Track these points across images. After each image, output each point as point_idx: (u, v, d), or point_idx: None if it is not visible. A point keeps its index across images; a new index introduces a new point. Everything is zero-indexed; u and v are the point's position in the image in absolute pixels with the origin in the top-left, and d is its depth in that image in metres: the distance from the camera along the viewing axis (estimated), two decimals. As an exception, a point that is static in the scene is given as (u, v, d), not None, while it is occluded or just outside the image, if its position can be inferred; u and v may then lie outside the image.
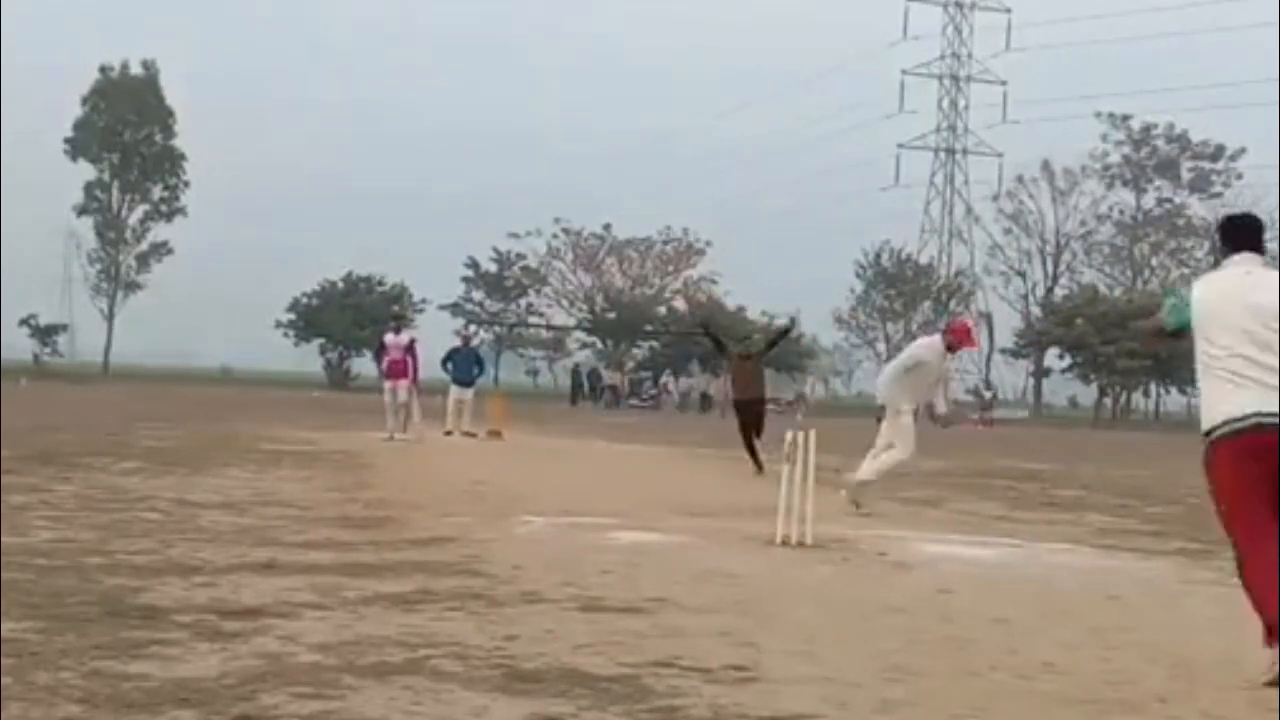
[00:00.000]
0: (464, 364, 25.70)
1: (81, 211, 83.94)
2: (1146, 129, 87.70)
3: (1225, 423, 5.61)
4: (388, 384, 23.51)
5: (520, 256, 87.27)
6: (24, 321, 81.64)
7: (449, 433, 24.46)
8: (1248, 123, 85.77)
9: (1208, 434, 5.70)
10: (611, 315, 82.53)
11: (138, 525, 9.38)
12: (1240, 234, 6.37)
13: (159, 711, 4.44)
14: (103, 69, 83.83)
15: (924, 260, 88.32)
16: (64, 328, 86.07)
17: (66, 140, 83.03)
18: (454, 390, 25.33)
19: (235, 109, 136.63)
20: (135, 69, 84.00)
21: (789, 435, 10.20)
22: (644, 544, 9.47)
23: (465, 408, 25.14)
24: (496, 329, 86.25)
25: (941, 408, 13.20)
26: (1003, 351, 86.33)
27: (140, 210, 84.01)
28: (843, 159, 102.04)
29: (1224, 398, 5.69)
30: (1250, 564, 5.51)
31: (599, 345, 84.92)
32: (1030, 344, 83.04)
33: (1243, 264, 6.10)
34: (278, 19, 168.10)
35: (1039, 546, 10.43)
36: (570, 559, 8.42)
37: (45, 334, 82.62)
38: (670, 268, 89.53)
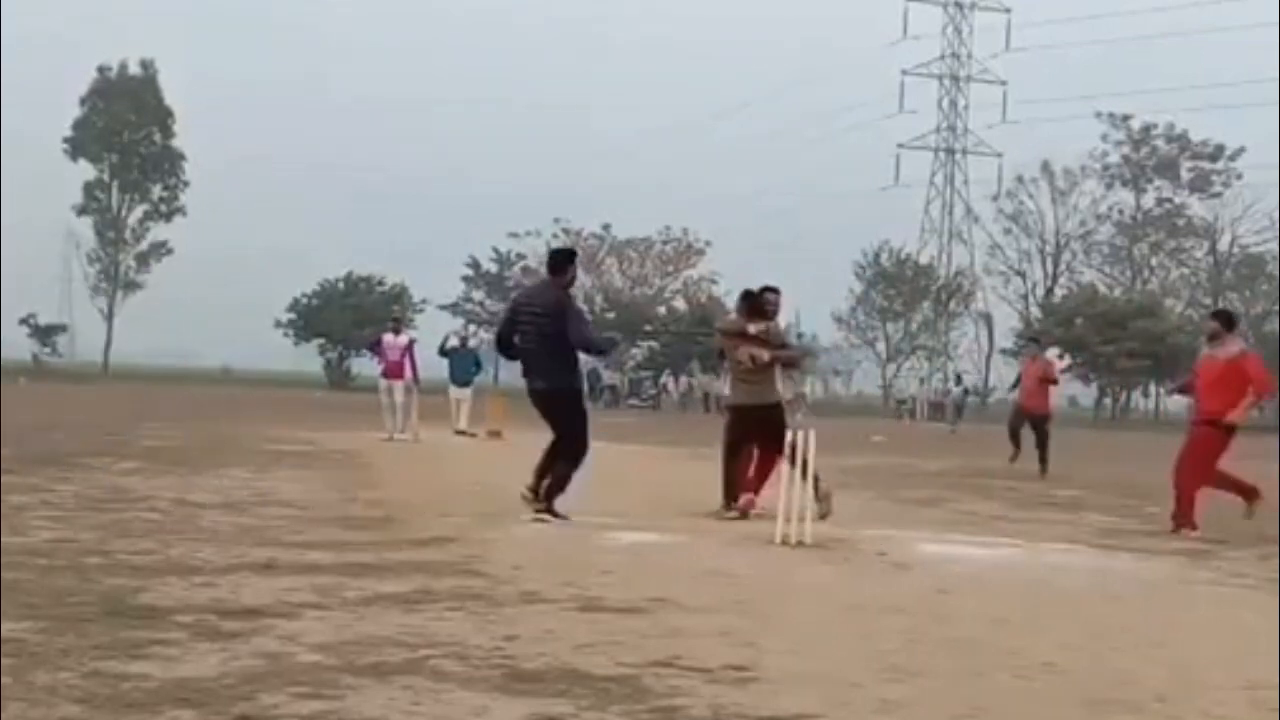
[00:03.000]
0: (462, 364, 25.91)
1: (81, 211, 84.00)
2: (1146, 129, 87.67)
3: None
4: (385, 384, 23.60)
5: (520, 256, 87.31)
6: (24, 321, 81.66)
7: (459, 432, 24.66)
8: (1247, 123, 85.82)
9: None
10: (611, 315, 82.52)
11: (138, 525, 9.37)
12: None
13: (159, 712, 4.44)
14: (101, 69, 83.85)
15: (924, 260, 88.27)
16: (63, 328, 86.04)
17: (65, 140, 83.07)
18: (453, 390, 25.56)
19: (234, 108, 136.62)
20: (134, 69, 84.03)
21: (789, 435, 10.20)
22: (644, 544, 9.46)
23: (464, 407, 25.30)
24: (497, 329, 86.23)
25: None
26: (1002, 351, 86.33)
27: (140, 210, 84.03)
28: (843, 159, 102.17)
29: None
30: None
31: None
32: (1030, 344, 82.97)
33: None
34: (276, 17, 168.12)
35: (1039, 546, 10.42)
36: (570, 559, 8.41)
37: (45, 334, 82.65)
38: (670, 268, 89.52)
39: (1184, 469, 12.26)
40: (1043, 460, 20.22)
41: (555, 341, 10.80)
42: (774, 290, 12.39)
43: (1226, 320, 12.66)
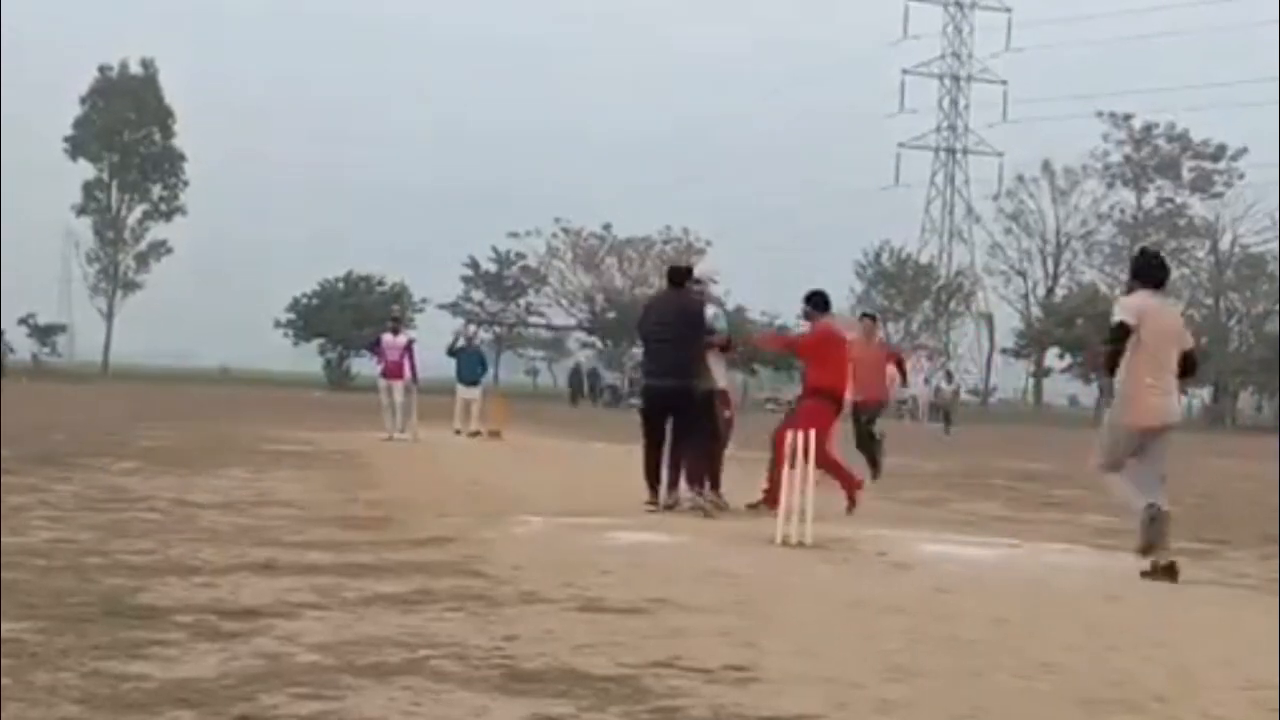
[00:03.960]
0: (469, 364, 26.03)
1: (80, 211, 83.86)
2: (1147, 128, 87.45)
3: None
4: (384, 384, 23.64)
5: (520, 256, 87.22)
6: (23, 321, 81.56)
7: (458, 431, 24.72)
8: (1249, 122, 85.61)
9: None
10: (611, 315, 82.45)
11: (137, 525, 9.37)
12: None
13: (158, 712, 4.44)
14: (101, 69, 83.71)
15: (924, 260, 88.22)
16: (63, 328, 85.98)
17: (65, 139, 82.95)
18: (460, 390, 25.63)
19: (234, 108, 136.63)
20: (134, 68, 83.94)
21: (789, 436, 10.20)
22: (644, 544, 9.46)
23: (473, 407, 25.39)
24: (496, 329, 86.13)
25: None
26: (1003, 351, 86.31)
27: (139, 210, 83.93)
28: (843, 159, 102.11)
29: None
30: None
31: (599, 345, 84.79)
32: (1031, 344, 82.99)
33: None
34: (276, 17, 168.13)
35: (1039, 546, 10.42)
36: (570, 559, 8.41)
37: (44, 334, 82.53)
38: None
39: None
40: (875, 463, 15.54)
41: (687, 343, 11.97)
42: (697, 282, 13.09)
43: (814, 301, 13.08)
